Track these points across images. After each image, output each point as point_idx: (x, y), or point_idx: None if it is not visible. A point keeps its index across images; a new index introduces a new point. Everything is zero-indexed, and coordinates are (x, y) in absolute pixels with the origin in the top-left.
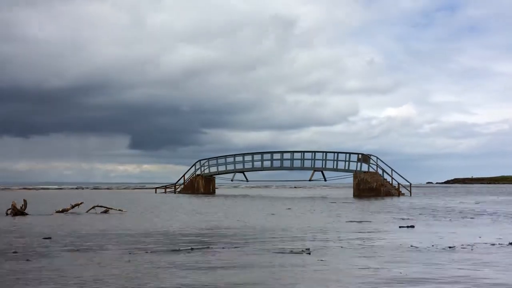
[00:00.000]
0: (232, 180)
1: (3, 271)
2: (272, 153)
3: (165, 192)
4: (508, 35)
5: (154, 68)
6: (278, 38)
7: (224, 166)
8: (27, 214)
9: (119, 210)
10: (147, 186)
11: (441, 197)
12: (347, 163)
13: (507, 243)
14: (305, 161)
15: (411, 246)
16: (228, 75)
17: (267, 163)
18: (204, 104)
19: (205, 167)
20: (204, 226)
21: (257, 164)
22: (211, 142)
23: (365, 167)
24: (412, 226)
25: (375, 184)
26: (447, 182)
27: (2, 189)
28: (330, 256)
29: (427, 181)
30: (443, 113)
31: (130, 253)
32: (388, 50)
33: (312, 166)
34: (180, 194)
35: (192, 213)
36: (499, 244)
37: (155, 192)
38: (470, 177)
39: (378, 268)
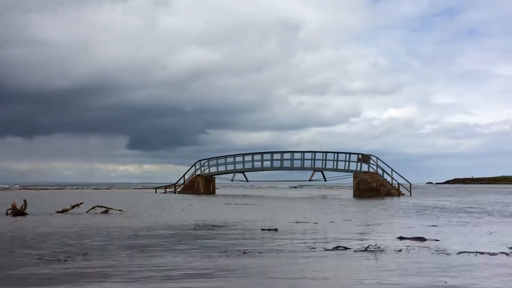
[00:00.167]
0: (232, 180)
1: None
2: (272, 153)
3: (165, 192)
4: (508, 38)
5: (161, 69)
6: (283, 41)
7: (224, 166)
8: (27, 214)
9: (119, 210)
10: (148, 186)
11: (451, 197)
12: (347, 163)
13: None
14: (305, 161)
15: None
16: (233, 77)
17: (267, 163)
18: (207, 105)
19: (205, 167)
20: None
21: (257, 164)
22: (212, 143)
23: (365, 167)
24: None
25: (375, 184)
26: (447, 182)
27: (2, 189)
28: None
29: (427, 181)
30: (444, 114)
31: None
32: (391, 53)
33: (312, 166)
34: (180, 194)
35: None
36: None
37: (155, 192)
38: (470, 177)
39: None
